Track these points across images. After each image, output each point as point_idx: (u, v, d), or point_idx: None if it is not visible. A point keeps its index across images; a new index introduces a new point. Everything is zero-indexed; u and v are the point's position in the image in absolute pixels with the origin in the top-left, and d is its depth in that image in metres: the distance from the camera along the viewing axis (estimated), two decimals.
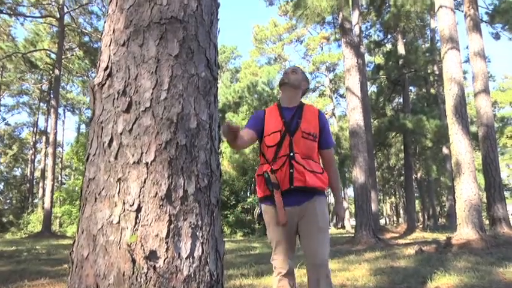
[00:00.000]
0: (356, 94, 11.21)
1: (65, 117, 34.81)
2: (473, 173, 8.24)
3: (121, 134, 1.22)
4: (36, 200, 31.05)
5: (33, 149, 33.41)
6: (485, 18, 15.92)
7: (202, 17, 1.42)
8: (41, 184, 27.21)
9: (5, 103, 36.95)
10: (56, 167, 23.47)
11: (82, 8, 21.35)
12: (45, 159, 26.46)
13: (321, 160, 2.41)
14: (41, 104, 31.01)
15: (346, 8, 12.14)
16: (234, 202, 18.15)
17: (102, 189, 1.21)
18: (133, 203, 1.17)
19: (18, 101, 32.13)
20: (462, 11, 12.48)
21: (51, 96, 21.85)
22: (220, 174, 1.40)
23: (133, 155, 1.19)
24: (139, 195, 1.17)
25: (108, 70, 1.30)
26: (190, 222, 1.22)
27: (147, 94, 1.24)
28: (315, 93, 34.13)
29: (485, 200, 11.63)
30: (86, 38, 22.05)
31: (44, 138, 29.47)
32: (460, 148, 8.27)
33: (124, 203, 1.17)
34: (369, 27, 22.55)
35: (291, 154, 2.22)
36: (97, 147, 1.26)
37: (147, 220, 1.16)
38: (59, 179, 32.69)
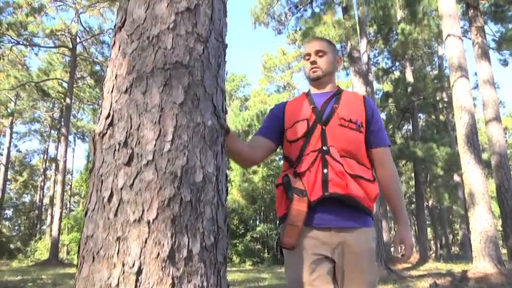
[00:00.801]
0: None
1: (75, 144, 35.13)
2: (488, 204, 8.03)
3: (121, 189, 1.14)
4: (44, 227, 30.99)
5: (43, 176, 33.61)
6: (493, 45, 15.94)
7: (209, 60, 1.36)
8: (49, 211, 27.18)
9: (17, 130, 37.52)
10: (65, 194, 23.51)
11: (94, 38, 21.85)
12: (54, 186, 26.55)
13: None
14: (52, 131, 31.40)
15: (354, 37, 12.22)
16: (243, 231, 17.92)
17: (101, 248, 1.12)
18: (133, 265, 1.08)
19: (30, 128, 32.64)
20: (470, 38, 12.51)
21: (62, 124, 22.10)
22: (228, 229, 1.31)
23: (134, 212, 1.11)
24: (140, 256, 1.08)
25: (110, 119, 1.24)
26: (195, 284, 1.12)
27: (150, 146, 1.16)
28: None
29: (499, 228, 11.28)
30: (97, 67, 22.47)
31: (53, 165, 29.67)
32: (473, 178, 8.09)
33: (124, 264, 1.08)
34: (376, 54, 22.69)
35: (324, 148, 1.59)
36: (96, 202, 1.18)
37: (148, 283, 1.07)
38: (68, 206, 32.73)
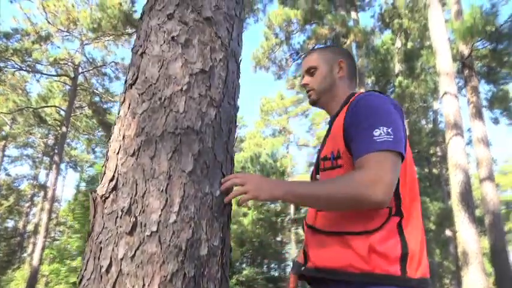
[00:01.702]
0: None
1: (66, 173, 34.71)
2: (481, 264, 7.93)
3: (121, 259, 1.07)
4: (24, 255, 29.97)
5: (29, 202, 32.90)
6: (485, 103, 16.35)
7: (220, 126, 1.34)
8: (32, 239, 26.42)
9: (9, 154, 37.02)
10: (51, 222, 22.94)
11: (96, 70, 22.11)
12: (40, 214, 25.95)
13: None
14: (44, 157, 31.06)
15: None
16: (229, 273, 17.41)
17: None
18: None
19: (22, 152, 32.24)
20: (464, 95, 12.82)
21: (55, 151, 21.92)
22: None
23: (133, 287, 1.04)
24: None
25: (114, 182, 1.19)
26: None
27: (155, 216, 1.11)
28: None
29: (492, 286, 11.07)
30: (97, 98, 22.59)
31: (42, 192, 29.14)
32: (467, 237, 8.02)
33: None
34: None
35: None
36: (93, 270, 1.11)
37: None
38: (52, 235, 31.82)
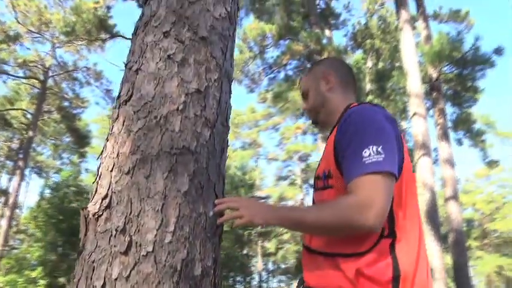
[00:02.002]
0: None
1: (30, 179, 33.41)
2: (444, 279, 8.23)
3: (116, 279, 1.07)
4: None
5: None
6: (449, 124, 17.03)
7: (214, 146, 1.36)
8: None
9: None
10: (10, 230, 21.96)
11: (67, 74, 21.58)
12: None
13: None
14: (7, 162, 29.84)
15: None
16: None
17: None
18: None
19: None
20: (432, 116, 13.33)
21: (20, 156, 21.13)
22: None
23: None
24: None
25: (108, 200, 1.18)
26: None
27: (150, 236, 1.11)
28: (286, 181, 34.38)
29: None
30: (66, 103, 22.00)
31: (3, 198, 27.91)
32: (433, 254, 8.28)
33: None
34: None
35: None
36: None
37: None
38: (10, 243, 30.43)
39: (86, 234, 1.18)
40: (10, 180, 27.84)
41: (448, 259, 11.92)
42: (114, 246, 1.11)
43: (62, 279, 15.14)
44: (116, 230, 1.12)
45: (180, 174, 1.22)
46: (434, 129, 12.52)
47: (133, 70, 1.44)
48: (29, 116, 21.75)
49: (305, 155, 31.97)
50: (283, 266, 28.59)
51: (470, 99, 15.60)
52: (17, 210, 30.36)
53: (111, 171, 1.24)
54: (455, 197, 11.45)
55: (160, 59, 1.40)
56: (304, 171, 32.36)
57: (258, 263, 24.76)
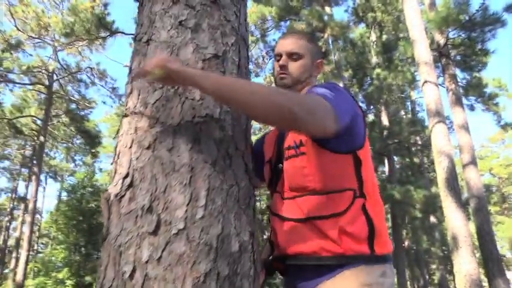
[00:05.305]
0: None
1: (46, 183, 33.83)
2: (471, 247, 8.06)
3: (146, 262, 0.97)
4: (6, 271, 29.08)
5: (9, 216, 31.92)
6: (461, 91, 16.70)
7: (238, 113, 1.25)
8: (14, 254, 25.64)
9: None
10: (33, 235, 22.31)
11: (71, 76, 21.57)
12: (21, 228, 25.23)
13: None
14: (22, 169, 30.18)
15: (333, 81, 12.49)
16: None
17: None
18: None
19: None
20: (443, 85, 13.02)
21: (34, 162, 21.32)
22: None
23: None
24: None
25: (129, 179, 1.08)
26: None
27: (180, 212, 1.01)
28: None
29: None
30: (73, 105, 22.05)
31: (22, 205, 28.33)
32: (455, 221, 8.13)
33: None
34: None
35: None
36: (114, 277, 0.99)
37: None
38: (35, 247, 31.03)
39: (109, 218, 1.08)
40: (27, 187, 28.21)
41: (471, 226, 11.74)
42: (142, 226, 1.01)
43: (88, 278, 15.38)
44: (142, 210, 1.02)
45: (205, 144, 1.11)
46: (446, 96, 12.26)
47: (143, 41, 1.33)
48: (38, 122, 21.87)
49: None
50: None
51: (480, 63, 15.22)
52: (37, 216, 30.82)
53: (130, 147, 1.14)
54: (473, 162, 11.23)
55: (171, 27, 1.30)
56: None
57: None
